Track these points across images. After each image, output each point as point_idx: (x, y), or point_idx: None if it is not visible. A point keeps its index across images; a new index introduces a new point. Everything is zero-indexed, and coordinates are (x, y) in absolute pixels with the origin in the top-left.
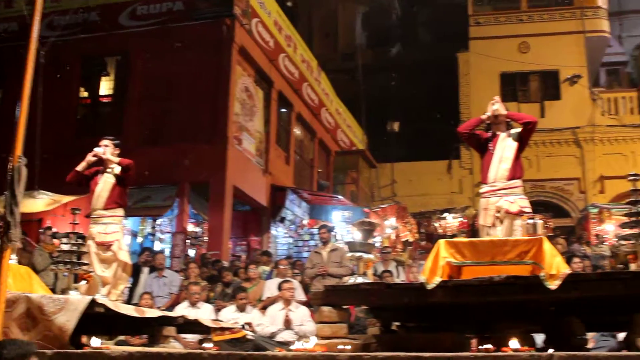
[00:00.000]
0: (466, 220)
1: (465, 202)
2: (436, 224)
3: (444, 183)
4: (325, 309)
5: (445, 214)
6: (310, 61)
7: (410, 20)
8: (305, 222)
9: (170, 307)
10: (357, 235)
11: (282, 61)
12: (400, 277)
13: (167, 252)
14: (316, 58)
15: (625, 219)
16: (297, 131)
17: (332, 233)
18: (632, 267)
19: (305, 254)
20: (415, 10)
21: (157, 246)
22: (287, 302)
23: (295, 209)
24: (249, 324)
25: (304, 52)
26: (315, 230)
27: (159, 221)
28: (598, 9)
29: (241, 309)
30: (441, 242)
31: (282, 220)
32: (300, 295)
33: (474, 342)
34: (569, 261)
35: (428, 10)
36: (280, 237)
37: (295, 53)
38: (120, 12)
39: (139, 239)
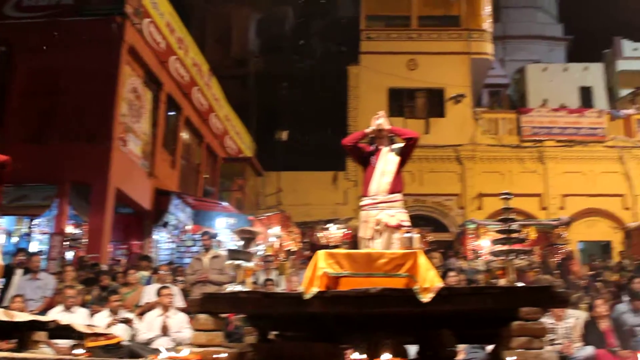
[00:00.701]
0: (350, 232)
1: (349, 214)
2: (320, 234)
3: (329, 194)
4: (202, 316)
5: (329, 225)
6: (201, 65)
7: (304, 31)
8: (188, 227)
9: (44, 311)
10: (237, 243)
11: (173, 63)
12: (281, 286)
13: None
14: (208, 62)
15: (498, 236)
16: (184, 135)
17: (215, 240)
18: (502, 282)
19: (187, 260)
20: (310, 21)
21: (33, 247)
22: (166, 308)
23: (179, 214)
24: (129, 320)
25: (196, 55)
26: (198, 236)
27: (36, 221)
28: (483, 32)
29: (114, 312)
30: (320, 252)
31: (165, 225)
32: (180, 301)
33: (348, 352)
34: (445, 275)
35: (322, 21)
36: (162, 242)
37: (187, 56)
38: (5, 2)
39: (14, 239)
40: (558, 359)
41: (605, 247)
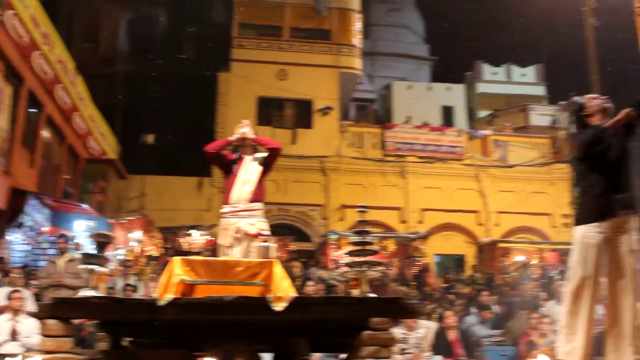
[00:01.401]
0: (212, 239)
1: (213, 220)
2: (182, 240)
3: (194, 199)
4: (50, 322)
5: (191, 231)
6: (67, 62)
7: (177, 34)
8: (45, 229)
9: None
10: (92, 247)
11: (36, 59)
12: (141, 292)
13: None
14: (75, 60)
15: (353, 247)
16: (45, 134)
17: (72, 243)
18: (355, 292)
19: (42, 263)
20: (182, 25)
21: None
22: (16, 312)
23: (35, 214)
24: None
25: (62, 52)
26: (55, 239)
27: None
28: (353, 47)
29: None
30: (175, 259)
31: (20, 225)
32: (31, 306)
33: None
34: (304, 284)
35: (195, 26)
36: (16, 243)
37: (52, 52)
38: None
39: None
40: None
41: (459, 261)
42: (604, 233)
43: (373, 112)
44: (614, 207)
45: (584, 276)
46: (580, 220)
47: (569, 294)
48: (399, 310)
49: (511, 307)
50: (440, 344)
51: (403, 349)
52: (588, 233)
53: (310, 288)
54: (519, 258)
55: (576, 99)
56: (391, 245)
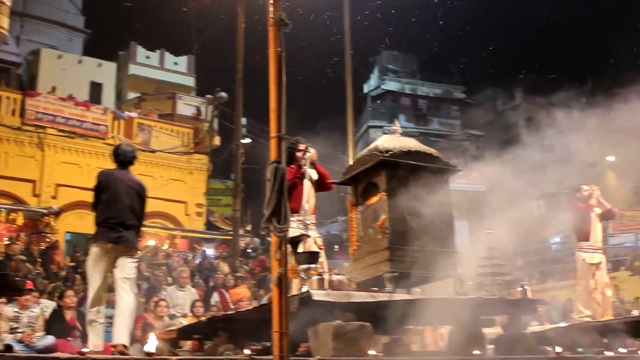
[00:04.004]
0: None
1: None
2: None
3: None
4: None
5: None
6: None
7: None
8: None
9: None
10: None
11: None
12: None
13: None
14: None
15: None
16: None
17: None
18: None
19: None
20: None
21: None
22: None
23: None
24: None
25: None
26: None
27: None
28: (1, 4)
29: None
30: None
31: None
32: None
33: None
34: None
35: None
36: None
37: None
38: None
39: None
40: (21, 347)
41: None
42: None
43: (17, 76)
44: None
45: None
46: None
47: None
48: (4, 287)
49: None
50: (56, 323)
51: (14, 328)
52: None
53: None
54: (151, 242)
55: (222, 94)
56: (19, 219)
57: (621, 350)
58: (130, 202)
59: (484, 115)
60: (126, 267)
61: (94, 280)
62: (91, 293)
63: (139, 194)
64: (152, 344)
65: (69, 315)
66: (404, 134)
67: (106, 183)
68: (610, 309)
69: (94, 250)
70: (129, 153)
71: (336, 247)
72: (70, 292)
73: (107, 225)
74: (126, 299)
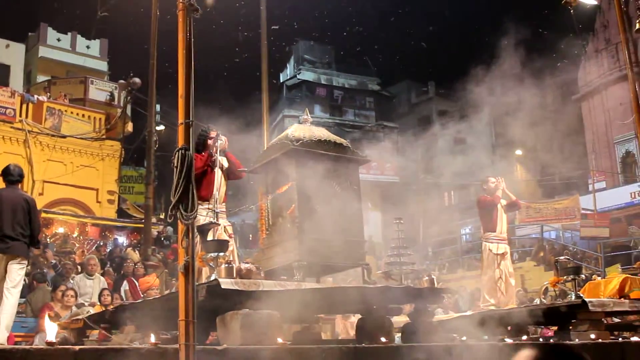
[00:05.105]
0: None
1: None
2: None
3: None
4: None
5: None
6: None
7: None
8: None
9: None
10: None
11: None
12: None
13: None
14: None
15: None
16: None
17: None
18: None
19: None
20: None
21: None
22: None
23: None
24: None
25: None
26: None
27: None
28: None
29: None
30: None
31: None
32: None
33: None
34: None
35: None
36: None
37: None
38: None
39: None
40: None
41: None
42: None
43: None
44: None
45: None
46: None
47: None
48: None
49: (34, 279)
50: None
51: None
52: None
53: None
54: (60, 230)
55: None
56: None
57: (524, 337)
58: (15, 216)
59: (398, 107)
60: (12, 272)
61: None
62: None
63: (24, 208)
64: (52, 332)
65: None
66: (319, 124)
67: None
68: (514, 298)
69: None
70: (16, 172)
71: (250, 236)
72: None
73: None
74: (9, 298)
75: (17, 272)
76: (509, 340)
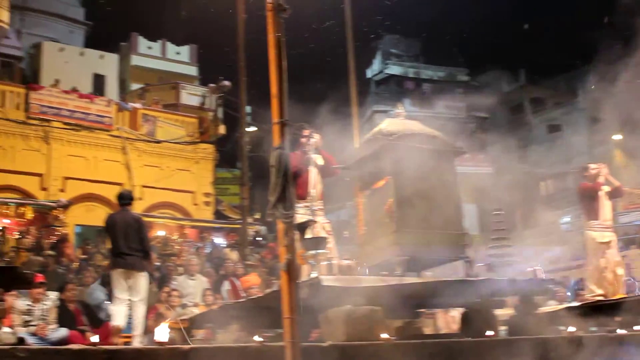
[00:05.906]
0: None
1: None
2: None
3: None
4: None
5: None
6: None
7: None
8: None
9: None
10: None
11: None
12: None
13: None
14: None
15: None
16: None
17: None
18: None
19: None
20: None
21: None
22: None
23: None
24: None
25: None
26: None
27: None
28: None
29: None
30: None
31: None
32: None
33: None
34: None
35: None
36: None
37: None
38: None
39: None
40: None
41: (101, 232)
42: None
43: (19, 70)
44: None
45: None
46: None
47: None
48: (14, 280)
49: None
50: (63, 315)
51: (27, 321)
52: None
53: None
54: (161, 233)
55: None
56: (29, 213)
57: (636, 328)
58: (127, 235)
59: (489, 96)
60: (137, 285)
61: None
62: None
63: (135, 227)
64: (163, 333)
65: (72, 306)
66: (409, 117)
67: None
68: (622, 288)
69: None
70: (127, 197)
71: (346, 232)
72: (70, 285)
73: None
74: (140, 308)
75: (140, 284)
76: (621, 331)
